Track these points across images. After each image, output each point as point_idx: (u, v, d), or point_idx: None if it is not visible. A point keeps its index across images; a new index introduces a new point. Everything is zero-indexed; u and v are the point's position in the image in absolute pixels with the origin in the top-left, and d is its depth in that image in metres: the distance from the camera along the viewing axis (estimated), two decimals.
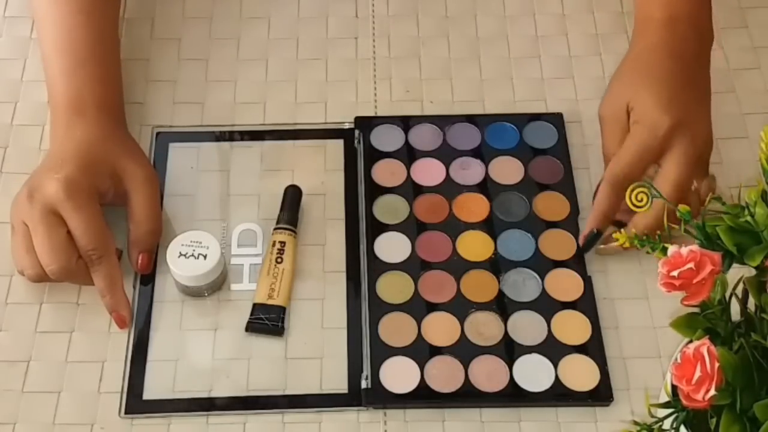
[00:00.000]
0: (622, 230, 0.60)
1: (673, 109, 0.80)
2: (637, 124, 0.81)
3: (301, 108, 0.92)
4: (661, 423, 0.58)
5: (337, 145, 0.90)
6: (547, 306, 0.81)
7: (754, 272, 0.58)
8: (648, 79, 0.83)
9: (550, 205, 0.86)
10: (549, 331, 0.79)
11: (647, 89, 0.82)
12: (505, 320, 0.80)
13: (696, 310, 0.58)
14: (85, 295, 0.81)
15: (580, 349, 0.79)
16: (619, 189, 0.79)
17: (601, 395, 0.77)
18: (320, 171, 0.88)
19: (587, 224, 0.82)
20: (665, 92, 0.82)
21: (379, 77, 0.94)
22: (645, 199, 0.61)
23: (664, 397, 0.60)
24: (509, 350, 0.79)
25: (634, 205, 0.61)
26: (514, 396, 0.77)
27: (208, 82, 0.94)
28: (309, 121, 0.91)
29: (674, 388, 0.57)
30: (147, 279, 0.82)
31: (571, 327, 0.80)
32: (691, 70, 0.84)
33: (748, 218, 0.57)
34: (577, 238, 0.84)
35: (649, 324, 0.81)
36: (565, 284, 0.82)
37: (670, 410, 0.58)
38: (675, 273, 0.55)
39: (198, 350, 0.79)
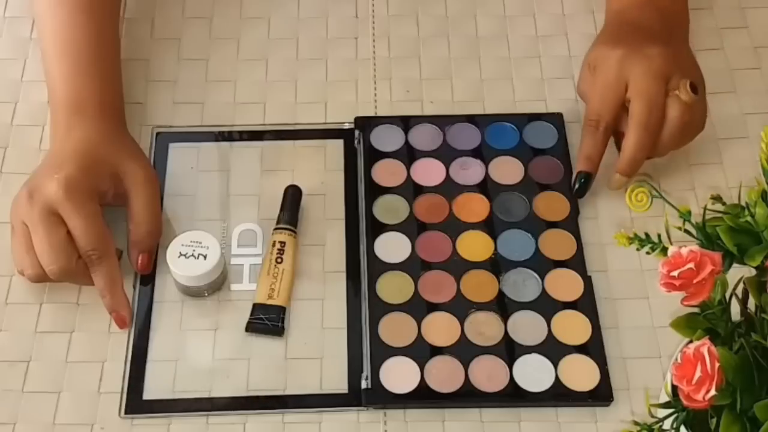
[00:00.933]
0: (622, 230, 0.60)
1: (619, 44, 0.84)
2: (595, 69, 0.85)
3: (301, 108, 0.92)
4: (661, 423, 0.58)
5: (337, 146, 0.90)
6: (547, 306, 0.81)
7: (754, 272, 0.58)
8: (602, 34, 0.89)
9: (550, 205, 0.86)
10: (549, 331, 0.79)
11: (598, 40, 0.88)
12: (505, 320, 0.80)
13: (696, 310, 0.58)
14: (85, 295, 0.81)
15: (580, 349, 0.79)
16: (594, 129, 0.83)
17: (601, 395, 0.77)
18: (320, 171, 0.88)
19: (575, 171, 0.85)
20: (609, 35, 0.87)
21: (379, 77, 0.94)
22: (645, 199, 0.61)
23: (664, 397, 0.60)
24: (509, 350, 0.79)
25: (635, 205, 0.61)
26: (514, 396, 0.77)
27: (208, 82, 0.94)
28: (309, 122, 0.91)
29: (674, 388, 0.57)
30: (147, 279, 0.82)
31: (571, 327, 0.80)
32: (651, 30, 0.86)
33: (748, 218, 0.57)
34: (577, 239, 0.84)
35: (649, 324, 0.81)
36: (565, 284, 0.82)
37: (670, 410, 0.58)
38: (675, 273, 0.55)
39: (198, 350, 0.79)
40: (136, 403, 0.76)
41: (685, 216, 0.59)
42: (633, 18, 0.88)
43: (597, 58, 0.86)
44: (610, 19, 0.91)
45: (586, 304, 0.81)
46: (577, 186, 0.84)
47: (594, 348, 0.79)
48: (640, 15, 0.88)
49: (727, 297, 0.58)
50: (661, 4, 0.89)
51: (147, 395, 0.77)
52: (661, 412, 0.58)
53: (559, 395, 0.77)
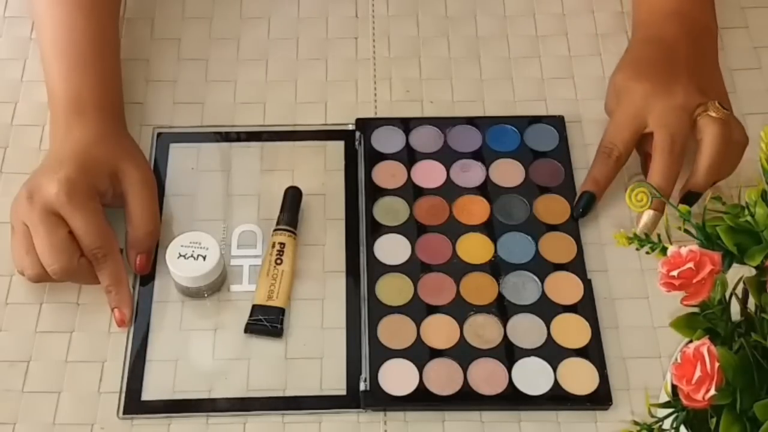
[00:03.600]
0: (622, 230, 0.60)
1: (643, 77, 0.85)
2: (618, 97, 0.86)
3: (301, 108, 0.92)
4: (661, 423, 0.58)
5: (338, 146, 0.89)
6: (546, 309, 0.80)
7: (754, 272, 0.58)
8: (628, 53, 0.89)
9: (550, 207, 0.86)
10: (548, 334, 0.79)
11: (624, 62, 0.88)
12: (504, 323, 0.80)
13: (696, 310, 0.58)
14: (85, 295, 0.81)
15: (580, 352, 0.78)
16: (606, 157, 0.84)
17: (600, 399, 0.76)
18: (320, 171, 0.88)
19: (579, 190, 0.85)
20: (635, 61, 0.87)
21: (379, 77, 0.94)
22: (645, 199, 0.61)
23: (664, 397, 0.60)
24: (508, 353, 0.78)
25: (635, 205, 0.61)
26: (512, 399, 0.76)
27: (208, 82, 0.94)
28: (309, 122, 0.91)
29: (674, 388, 0.57)
30: (147, 279, 0.82)
31: (571, 330, 0.79)
32: (677, 53, 0.86)
33: (748, 218, 0.57)
34: (577, 240, 0.84)
35: (649, 324, 0.81)
36: (564, 287, 0.82)
37: (670, 410, 0.58)
38: (675, 273, 0.55)
39: (197, 351, 0.79)
40: (134, 403, 0.76)
41: (685, 216, 0.59)
42: (659, 34, 0.87)
43: (621, 90, 0.86)
44: (636, 34, 0.91)
45: (586, 307, 0.81)
46: (580, 205, 0.84)
47: (593, 351, 0.78)
48: (666, 29, 0.87)
49: (727, 297, 0.58)
50: (688, 14, 0.88)
51: (145, 396, 0.77)
52: (661, 412, 0.58)
53: (557, 399, 0.76)
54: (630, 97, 0.84)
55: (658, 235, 0.60)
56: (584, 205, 0.84)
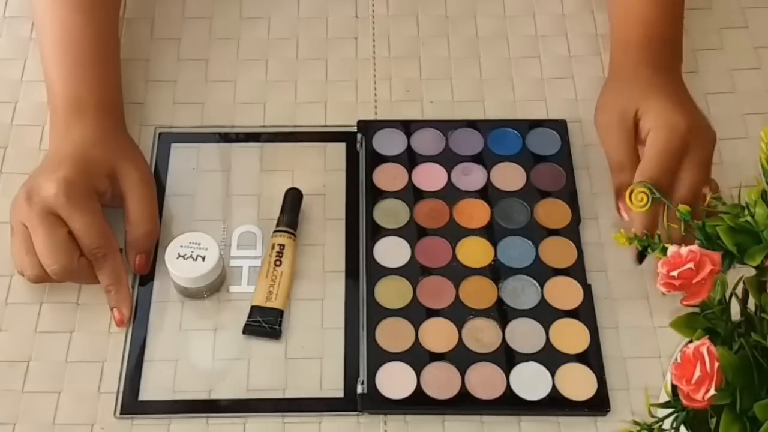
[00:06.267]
0: (622, 230, 0.60)
1: (685, 112, 0.81)
2: (656, 129, 0.81)
3: (301, 108, 0.92)
4: (661, 423, 0.58)
5: (339, 148, 0.89)
6: (546, 314, 0.80)
7: (754, 272, 0.58)
8: (652, 89, 0.83)
9: (551, 212, 0.86)
10: (547, 339, 0.79)
11: (655, 97, 0.82)
12: (503, 327, 0.80)
13: (696, 310, 0.58)
14: (85, 295, 0.81)
15: (578, 358, 0.78)
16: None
17: (598, 405, 0.76)
18: (321, 172, 0.88)
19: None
20: (674, 97, 0.83)
21: (379, 77, 0.94)
22: (645, 199, 0.61)
23: (664, 397, 0.60)
24: (507, 358, 0.78)
25: (635, 205, 0.61)
26: (510, 404, 0.76)
27: (208, 82, 0.94)
28: (309, 122, 0.91)
29: (674, 388, 0.57)
30: (146, 280, 0.82)
31: (570, 336, 0.79)
32: (676, 82, 0.86)
33: (748, 218, 0.57)
34: (577, 245, 0.83)
35: (649, 324, 0.81)
36: (564, 292, 0.81)
37: (670, 410, 0.58)
38: (675, 273, 0.55)
39: (197, 351, 0.79)
40: (134, 403, 0.76)
41: (685, 216, 0.59)
42: (664, 67, 0.86)
43: (658, 117, 0.81)
44: (639, 61, 0.87)
45: (585, 312, 0.80)
46: (639, 253, 0.81)
47: (592, 357, 0.78)
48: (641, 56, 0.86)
49: (727, 297, 0.58)
50: (672, 41, 0.88)
51: (145, 396, 0.77)
52: (661, 412, 0.58)
53: (555, 404, 0.76)
54: (672, 129, 0.80)
55: (658, 235, 0.60)
56: (642, 252, 0.80)
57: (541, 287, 0.81)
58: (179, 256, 0.79)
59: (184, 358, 0.79)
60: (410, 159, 0.89)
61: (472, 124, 0.91)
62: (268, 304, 0.80)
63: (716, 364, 0.53)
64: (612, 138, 0.84)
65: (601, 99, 0.88)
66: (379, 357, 0.78)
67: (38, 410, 0.76)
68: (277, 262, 0.82)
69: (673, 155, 0.79)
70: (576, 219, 0.85)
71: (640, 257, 0.82)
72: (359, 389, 0.76)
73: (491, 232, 0.85)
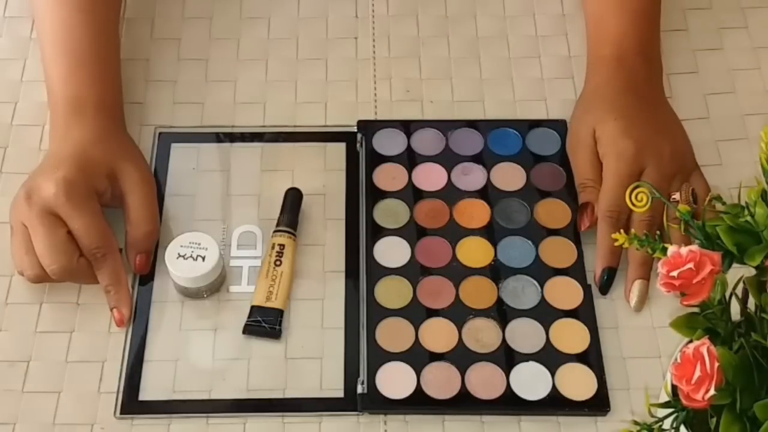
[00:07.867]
0: (621, 230, 0.60)
1: (634, 134, 0.82)
2: (607, 156, 0.83)
3: (301, 108, 0.92)
4: (661, 423, 0.58)
5: (339, 148, 0.89)
6: (546, 314, 0.80)
7: (754, 272, 0.58)
8: (608, 111, 0.85)
9: (551, 212, 0.86)
10: (547, 339, 0.79)
11: (608, 121, 0.84)
12: (503, 327, 0.79)
13: (696, 310, 0.58)
14: (85, 295, 0.81)
15: (578, 358, 0.78)
16: (615, 222, 0.81)
17: (598, 405, 0.76)
18: (321, 172, 0.88)
19: (597, 266, 0.82)
20: (623, 121, 0.83)
21: (379, 77, 0.94)
22: (645, 199, 0.61)
23: (664, 397, 0.60)
24: (507, 358, 0.78)
25: (634, 205, 0.61)
26: (510, 404, 0.76)
27: (208, 82, 0.94)
28: (309, 122, 0.91)
29: (674, 388, 0.57)
30: (146, 279, 0.82)
31: (570, 335, 0.79)
32: (645, 98, 0.86)
33: (748, 218, 0.57)
34: (577, 245, 0.83)
35: (649, 324, 0.81)
36: (564, 292, 0.81)
37: (670, 410, 0.58)
38: (675, 273, 0.55)
39: (197, 351, 0.79)
40: (134, 403, 0.76)
41: (685, 216, 0.59)
42: (634, 83, 0.86)
43: (608, 143, 0.83)
44: (609, 77, 0.87)
45: (586, 312, 0.80)
46: (604, 283, 0.81)
47: (592, 357, 0.78)
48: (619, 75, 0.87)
49: (727, 297, 0.58)
50: (647, 54, 0.88)
51: (145, 396, 0.77)
52: (661, 412, 0.58)
53: (555, 404, 0.76)
54: (621, 155, 0.82)
55: (658, 235, 0.60)
56: (607, 283, 0.81)
57: (541, 287, 0.81)
58: (179, 256, 0.79)
59: (184, 358, 0.79)
60: (410, 159, 0.89)
61: (472, 124, 0.91)
62: (268, 304, 0.80)
63: (716, 364, 0.53)
64: (576, 158, 0.86)
65: (573, 114, 0.89)
66: (379, 357, 0.78)
67: (38, 410, 0.76)
68: (277, 262, 0.82)
69: (627, 181, 0.79)
70: (576, 219, 0.85)
71: (603, 288, 0.81)
72: (359, 389, 0.76)
73: (491, 232, 0.84)
